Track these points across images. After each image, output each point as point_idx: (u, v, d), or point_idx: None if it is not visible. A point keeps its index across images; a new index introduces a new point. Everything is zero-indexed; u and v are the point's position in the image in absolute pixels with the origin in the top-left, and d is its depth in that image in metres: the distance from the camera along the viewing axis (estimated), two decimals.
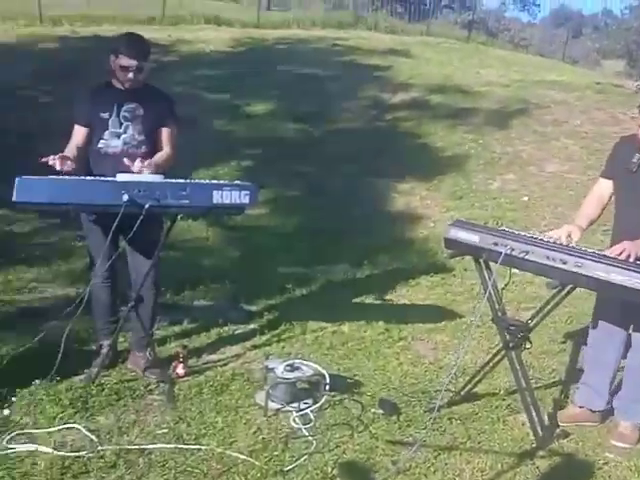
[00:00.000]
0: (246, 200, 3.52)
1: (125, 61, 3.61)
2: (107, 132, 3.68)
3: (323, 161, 8.44)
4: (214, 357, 4.09)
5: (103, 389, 3.52)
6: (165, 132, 3.80)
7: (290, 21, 16.18)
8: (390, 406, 3.58)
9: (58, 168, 3.39)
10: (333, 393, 3.62)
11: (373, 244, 6.34)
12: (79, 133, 3.70)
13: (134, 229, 3.35)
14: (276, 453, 3.12)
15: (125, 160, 3.55)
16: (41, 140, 8.28)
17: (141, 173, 3.52)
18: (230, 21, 15.34)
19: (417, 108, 10.18)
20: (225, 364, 3.98)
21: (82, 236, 4.12)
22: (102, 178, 3.42)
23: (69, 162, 3.44)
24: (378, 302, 5.19)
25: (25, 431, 3.10)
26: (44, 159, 3.39)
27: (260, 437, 3.24)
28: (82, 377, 3.62)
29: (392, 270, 5.89)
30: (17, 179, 3.29)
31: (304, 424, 3.36)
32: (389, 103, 10.56)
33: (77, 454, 2.95)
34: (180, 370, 3.77)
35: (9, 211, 6.45)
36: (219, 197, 3.47)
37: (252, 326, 4.56)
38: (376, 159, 8.47)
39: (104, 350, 3.82)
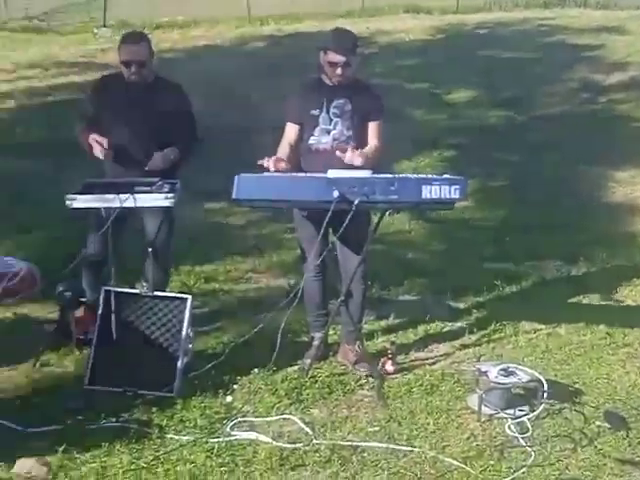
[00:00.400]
0: (456, 195, 3.39)
1: (333, 57, 3.63)
2: (317, 129, 3.73)
3: (528, 149, 8.00)
4: (422, 355, 4.02)
5: (316, 381, 3.59)
6: (372, 126, 3.78)
7: (491, 4, 15.60)
8: (618, 420, 3.27)
9: (272, 169, 3.50)
10: (552, 401, 3.39)
11: (589, 239, 5.87)
12: (291, 131, 3.78)
13: (344, 225, 3.37)
14: (492, 462, 2.97)
15: (337, 152, 3.59)
16: (254, 136, 8.74)
17: (352, 162, 3.53)
18: (429, 8, 15.12)
19: (637, 89, 9.30)
20: (434, 363, 3.89)
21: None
22: (314, 175, 3.47)
23: (282, 164, 3.54)
24: (597, 303, 4.79)
25: (246, 419, 3.24)
26: (260, 162, 3.52)
27: (474, 444, 3.11)
28: (296, 368, 3.72)
29: (612, 268, 5.41)
30: (236, 177, 3.44)
31: (521, 433, 3.17)
32: (603, 85, 9.76)
33: (294, 446, 3.03)
34: (389, 367, 3.74)
35: (226, 204, 6.88)
36: (428, 192, 3.38)
37: (460, 324, 4.42)
38: (588, 145, 7.86)
39: (316, 342, 3.89)
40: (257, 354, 3.73)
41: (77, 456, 2.86)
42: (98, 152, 3.69)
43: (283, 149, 3.72)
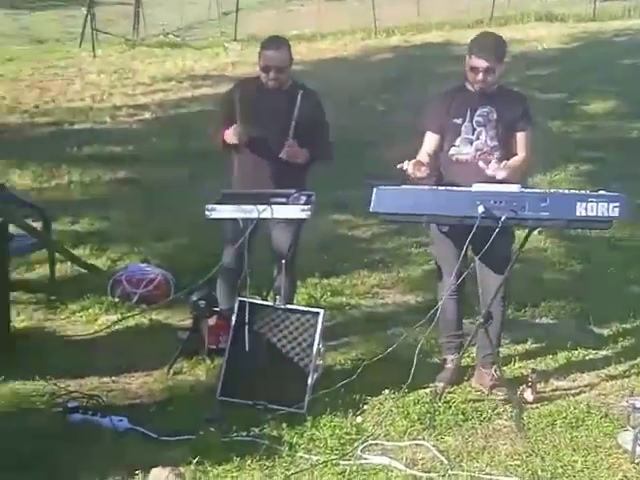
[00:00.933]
0: (615, 213, 3.14)
1: (474, 61, 3.47)
2: (459, 138, 3.57)
3: None
4: (564, 384, 3.74)
5: (450, 407, 3.41)
6: (520, 136, 3.58)
7: (630, 10, 14.75)
8: None
9: (410, 173, 3.37)
10: None
11: None
12: (430, 140, 3.64)
13: (488, 243, 3.19)
14: None
15: (480, 163, 3.41)
16: (381, 147, 8.65)
17: (496, 175, 3.35)
18: (563, 16, 14.50)
19: None
20: (578, 394, 3.61)
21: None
22: (457, 188, 3.31)
23: (423, 168, 3.40)
24: None
25: (377, 442, 3.11)
26: (399, 165, 3.39)
27: None
28: (428, 391, 3.56)
29: None
30: (374, 189, 3.34)
31: None
32: None
33: (428, 475, 2.87)
34: (529, 395, 3.50)
35: (351, 216, 6.83)
36: (583, 209, 3.14)
37: (605, 352, 4.09)
38: None
39: (449, 365, 3.72)
40: (387, 374, 3.60)
41: (210, 469, 2.84)
42: (232, 137, 3.71)
43: (422, 158, 3.59)
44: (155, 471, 2.77)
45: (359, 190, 7.47)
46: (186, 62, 14.24)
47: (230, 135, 3.73)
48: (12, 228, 4.28)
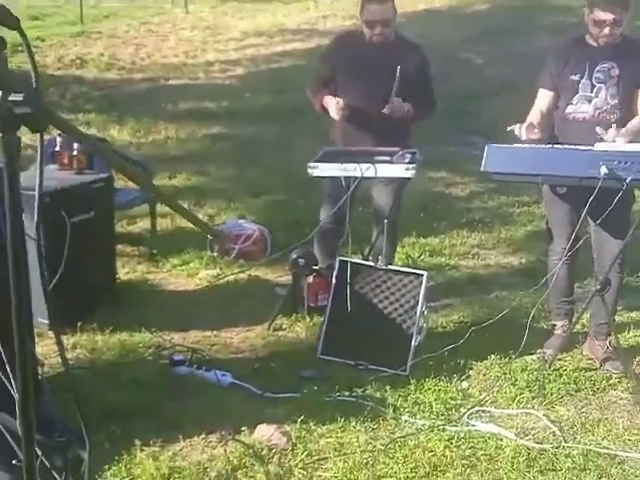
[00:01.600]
0: None
1: (600, 15, 3.18)
2: (577, 96, 3.32)
3: None
4: None
5: (560, 375, 3.25)
6: None
7: None
8: None
9: (524, 138, 3.18)
10: None
11: None
12: (544, 98, 3.41)
13: (611, 206, 2.97)
14: None
15: (597, 128, 3.17)
16: (480, 102, 8.33)
17: (614, 142, 3.11)
18: None
19: None
20: None
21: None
22: (576, 147, 3.09)
23: (535, 130, 3.20)
24: None
25: (484, 409, 3.01)
26: (509, 128, 3.21)
27: None
28: (535, 358, 3.41)
29: None
30: (486, 147, 3.18)
31: None
32: None
33: (541, 446, 2.74)
34: None
35: (447, 173, 6.63)
36: None
37: None
38: None
39: (558, 331, 3.55)
40: (492, 338, 3.47)
41: (314, 428, 2.81)
42: (333, 111, 3.61)
43: (534, 117, 3.37)
44: (261, 428, 2.77)
45: (456, 146, 7.31)
46: (276, 16, 14.13)
47: (332, 109, 3.61)
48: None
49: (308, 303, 3.83)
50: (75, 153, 3.76)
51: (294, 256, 3.82)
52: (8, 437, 2.34)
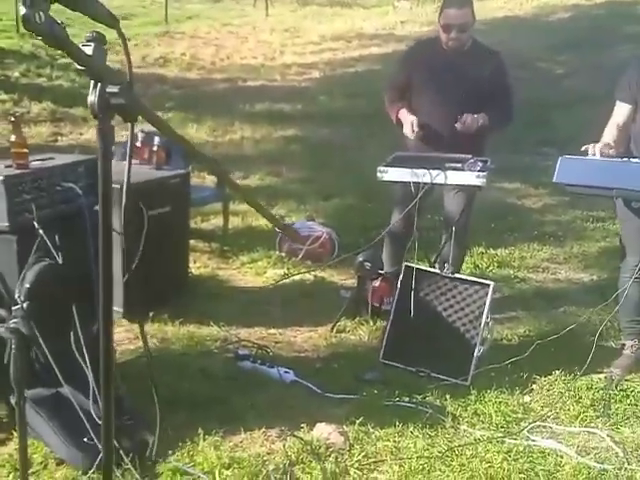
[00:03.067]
0: None
1: None
2: None
3: None
4: None
5: (627, 396, 3.18)
6: None
7: None
8: None
9: (598, 157, 3.12)
10: None
11: None
12: (622, 111, 3.34)
13: None
14: None
15: None
16: (558, 112, 8.16)
17: None
18: None
19: None
20: None
21: None
22: None
23: (611, 152, 3.14)
24: None
25: (546, 424, 2.97)
26: (584, 147, 3.16)
27: None
28: (602, 377, 3.34)
29: None
30: (559, 159, 3.14)
31: None
32: None
33: (602, 466, 2.69)
34: None
35: (520, 184, 6.53)
36: None
37: None
38: None
39: (627, 351, 3.46)
40: (557, 354, 3.42)
41: (372, 431, 2.85)
42: (408, 130, 3.63)
43: (610, 132, 3.31)
44: (320, 426, 2.82)
45: (530, 156, 7.19)
46: (355, 21, 14.20)
47: (407, 127, 3.63)
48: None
49: (372, 307, 3.86)
50: (155, 149, 3.91)
51: (360, 259, 3.86)
52: (82, 416, 2.47)
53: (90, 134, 7.39)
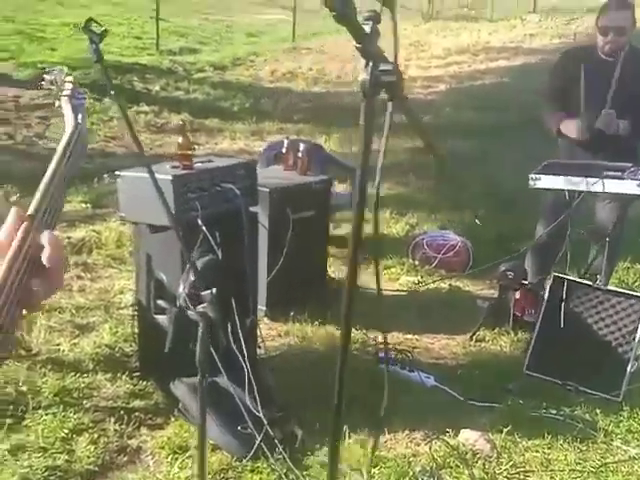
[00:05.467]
0: None
1: None
2: None
3: None
4: None
5: None
6: None
7: None
8: None
9: None
10: None
11: None
12: None
13: None
14: None
15: None
16: None
17: None
18: None
19: None
20: None
21: None
22: None
23: None
24: None
25: None
26: None
27: None
28: None
29: None
30: None
31: None
32: None
33: None
34: None
35: None
36: None
37: None
38: None
39: None
40: None
41: (519, 440, 2.78)
42: (577, 132, 3.54)
43: None
44: (466, 432, 2.78)
45: None
46: (481, 34, 14.02)
47: (571, 130, 3.55)
48: None
49: (514, 317, 3.77)
50: (300, 155, 4.02)
51: (503, 269, 3.78)
52: (240, 405, 2.56)
53: (225, 144, 7.71)
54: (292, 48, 13.02)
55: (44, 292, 0.77)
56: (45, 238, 0.79)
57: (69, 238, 4.66)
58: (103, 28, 1.91)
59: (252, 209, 3.15)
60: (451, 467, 2.62)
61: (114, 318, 3.63)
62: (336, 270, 4.63)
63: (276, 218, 3.70)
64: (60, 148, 1.01)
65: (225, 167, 3.08)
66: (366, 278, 4.78)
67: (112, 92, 2.09)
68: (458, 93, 10.17)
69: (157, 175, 2.77)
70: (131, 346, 3.27)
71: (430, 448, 2.71)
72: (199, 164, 3.01)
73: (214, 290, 1.88)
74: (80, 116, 1.22)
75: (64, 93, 1.26)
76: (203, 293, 1.88)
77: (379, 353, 3.45)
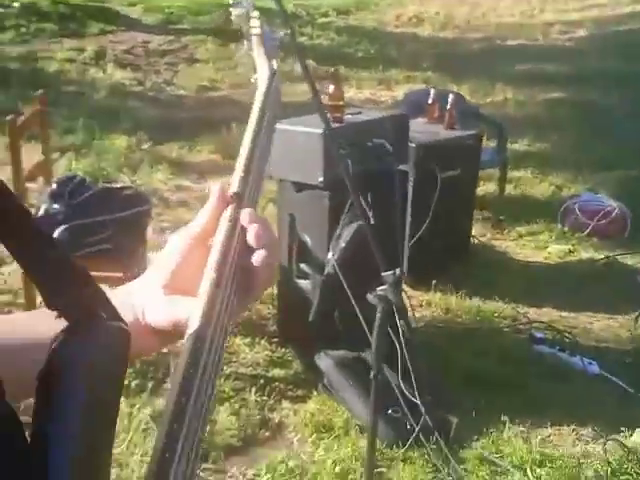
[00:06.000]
0: None
1: None
2: None
3: None
4: None
5: None
6: None
7: None
8: None
9: None
10: None
11: None
12: None
13: None
14: None
15: None
16: None
17: None
18: None
19: None
20: None
21: None
22: None
23: None
24: None
25: None
26: None
27: None
28: None
29: None
30: None
31: None
32: None
33: None
34: None
35: None
36: None
37: None
38: None
39: None
40: None
41: None
42: None
43: None
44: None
45: None
46: None
47: None
48: None
49: None
50: (448, 108, 3.67)
51: None
52: (395, 389, 2.33)
53: (351, 92, 7.38)
54: None
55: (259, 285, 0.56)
56: (247, 218, 0.56)
57: (201, 190, 4.56)
58: None
59: (402, 167, 2.87)
60: (629, 474, 2.29)
61: None
62: (476, 234, 4.29)
63: (422, 176, 3.39)
64: (257, 105, 0.76)
65: (375, 120, 2.80)
66: (509, 243, 4.41)
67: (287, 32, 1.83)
68: (601, 39, 9.31)
69: (306, 128, 2.54)
70: (269, 308, 3.11)
71: (604, 450, 2.39)
72: (349, 116, 2.74)
73: (397, 271, 1.61)
74: (275, 63, 0.97)
75: (254, 32, 1.01)
76: (384, 274, 1.61)
77: (533, 331, 3.12)
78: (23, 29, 8.14)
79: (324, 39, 9.07)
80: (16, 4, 8.53)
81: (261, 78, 0.92)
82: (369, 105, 7.10)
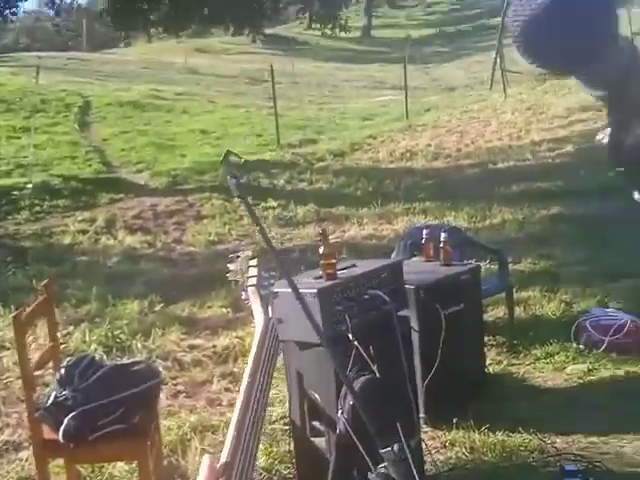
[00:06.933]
0: None
1: None
2: None
3: None
4: None
5: None
6: None
7: None
8: None
9: None
10: None
11: None
12: None
13: None
14: None
15: None
16: None
17: None
18: None
19: None
20: None
21: None
22: None
23: None
24: None
25: None
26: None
27: None
28: None
29: None
30: None
31: None
32: None
33: None
34: None
35: None
36: None
37: None
38: None
39: None
40: None
41: None
42: None
43: None
44: None
45: None
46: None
47: None
48: None
49: None
50: (442, 245, 3.76)
51: None
52: None
53: (353, 231, 7.59)
54: (407, 126, 12.98)
55: None
56: None
57: (214, 347, 4.60)
58: (242, 160, 1.80)
59: (402, 313, 2.90)
60: None
61: (266, 433, 3.42)
62: (492, 362, 4.25)
63: (425, 316, 3.43)
64: (253, 354, 0.81)
65: (370, 272, 2.86)
66: (527, 368, 4.35)
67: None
68: (589, 152, 9.60)
69: (301, 289, 2.59)
70: (288, 468, 3.04)
71: None
72: (343, 271, 2.81)
73: (395, 447, 1.60)
74: (270, 308, 1.04)
75: (250, 283, 1.09)
76: (382, 451, 1.60)
77: (563, 464, 3.01)
78: (37, 207, 8.54)
79: (323, 182, 9.43)
80: (30, 185, 9.01)
81: (257, 326, 0.99)
82: (372, 240, 7.28)
